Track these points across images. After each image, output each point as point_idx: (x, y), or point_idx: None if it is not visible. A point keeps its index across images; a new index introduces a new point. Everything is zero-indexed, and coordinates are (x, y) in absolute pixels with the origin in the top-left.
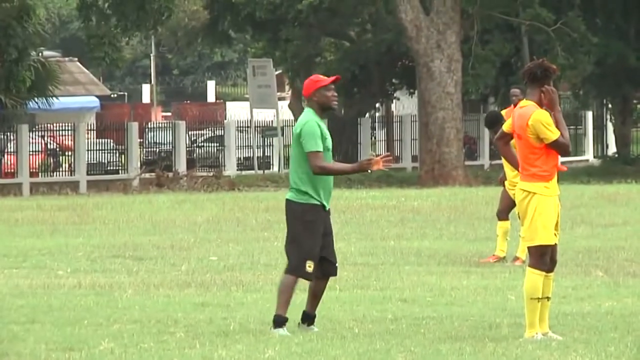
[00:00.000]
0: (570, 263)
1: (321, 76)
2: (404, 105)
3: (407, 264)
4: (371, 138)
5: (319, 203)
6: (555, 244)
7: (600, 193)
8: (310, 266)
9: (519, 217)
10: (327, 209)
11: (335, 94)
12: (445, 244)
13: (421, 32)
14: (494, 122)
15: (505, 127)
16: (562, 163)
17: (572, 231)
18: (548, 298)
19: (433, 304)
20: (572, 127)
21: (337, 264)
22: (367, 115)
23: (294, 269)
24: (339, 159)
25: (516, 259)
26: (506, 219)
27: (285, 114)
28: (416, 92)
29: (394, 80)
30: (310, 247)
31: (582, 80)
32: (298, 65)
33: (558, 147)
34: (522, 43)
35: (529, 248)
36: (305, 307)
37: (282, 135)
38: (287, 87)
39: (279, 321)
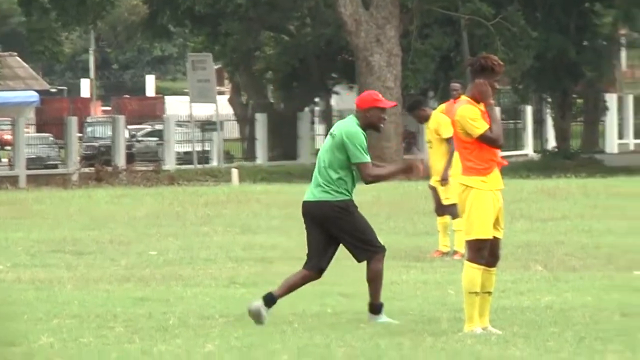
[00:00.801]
0: (509, 257)
1: (381, 96)
2: (344, 99)
3: (347, 258)
4: (310, 132)
5: (351, 198)
6: (498, 238)
7: (540, 187)
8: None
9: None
10: None
11: (386, 118)
12: (385, 238)
13: (360, 27)
14: (414, 106)
15: None
16: (503, 157)
17: (512, 226)
18: (489, 292)
19: None
20: (511, 121)
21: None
22: (307, 109)
23: (377, 252)
24: (278, 153)
25: (455, 252)
26: (443, 214)
27: (225, 108)
28: (355, 86)
29: (333, 75)
30: (366, 226)
31: (521, 74)
32: (237, 60)
33: (486, 141)
34: (462, 37)
35: (466, 242)
36: (279, 292)
37: (222, 129)
38: (226, 82)
39: (379, 308)
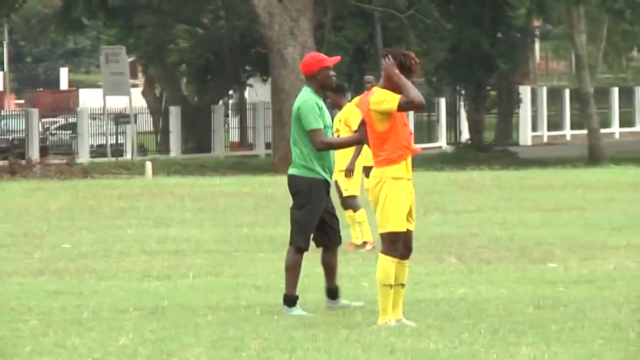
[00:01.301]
0: (423, 250)
1: (322, 54)
2: (258, 92)
3: (261, 251)
4: (224, 125)
5: (322, 179)
6: (411, 231)
7: (454, 180)
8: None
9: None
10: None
11: (334, 74)
12: None
13: (274, 19)
14: (339, 88)
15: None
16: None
17: (426, 218)
18: (403, 285)
19: None
20: (425, 114)
21: (340, 233)
22: (221, 102)
23: (299, 244)
24: (192, 146)
25: (365, 243)
26: (348, 207)
27: (138, 101)
28: (269, 79)
29: (247, 67)
30: (310, 222)
31: (435, 66)
32: (151, 52)
33: (408, 106)
34: (375, 30)
35: (381, 234)
36: (325, 283)
37: (135, 122)
38: (140, 74)
39: (291, 300)
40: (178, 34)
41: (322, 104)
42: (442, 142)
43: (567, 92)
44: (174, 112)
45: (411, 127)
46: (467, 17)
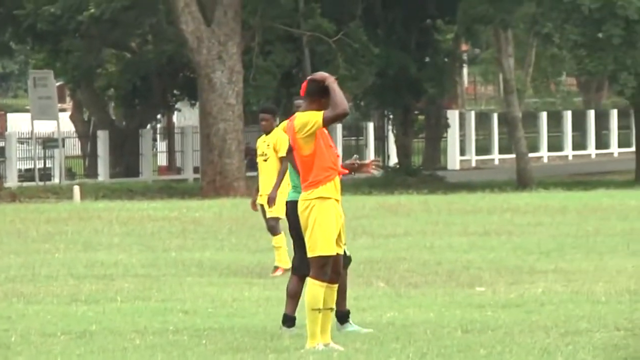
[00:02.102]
0: (351, 274)
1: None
2: (186, 116)
3: (188, 275)
4: (153, 149)
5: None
6: (340, 255)
7: (382, 204)
8: None
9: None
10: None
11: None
12: (227, 255)
13: (202, 44)
14: (273, 110)
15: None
16: (343, 167)
17: (354, 242)
18: (331, 309)
19: (214, 315)
20: (353, 138)
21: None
22: (149, 126)
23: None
24: (120, 170)
25: (276, 269)
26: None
27: (67, 125)
28: (197, 103)
29: (175, 92)
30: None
31: (363, 91)
32: (79, 77)
33: (332, 119)
34: (304, 54)
35: (310, 258)
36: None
37: (63, 146)
38: (68, 99)
39: (343, 316)
40: (106, 58)
41: None
42: None
43: (495, 117)
44: (102, 136)
45: (339, 150)
46: (395, 42)
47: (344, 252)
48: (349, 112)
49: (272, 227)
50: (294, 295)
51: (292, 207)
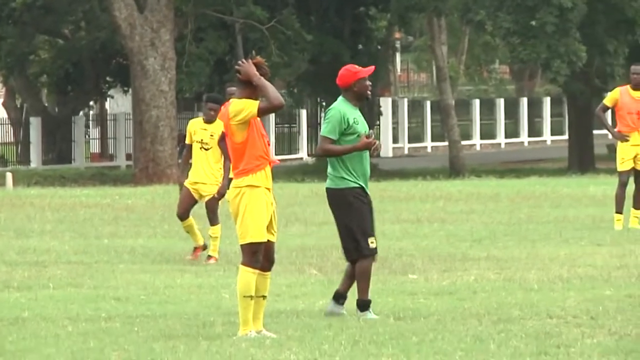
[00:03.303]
0: (284, 261)
1: (357, 67)
2: (118, 103)
3: (121, 262)
4: (85, 136)
5: (357, 185)
6: (272, 242)
7: (315, 191)
8: (372, 242)
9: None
10: (367, 192)
11: (370, 84)
12: (160, 242)
13: (135, 30)
14: (220, 100)
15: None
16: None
17: (287, 229)
18: (264, 296)
19: (147, 302)
20: (286, 125)
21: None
22: (81, 113)
23: (362, 251)
24: (53, 157)
25: (209, 257)
26: (187, 217)
27: None
28: (130, 90)
29: (108, 78)
30: (365, 225)
31: (296, 78)
32: (12, 64)
33: (267, 111)
34: (237, 41)
35: (241, 246)
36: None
37: None
38: (0, 85)
39: (364, 304)
40: (39, 44)
41: (354, 113)
42: (303, 153)
43: (428, 104)
44: (35, 123)
45: (272, 138)
46: (328, 29)
47: (374, 245)
48: (284, 105)
49: (212, 218)
50: (350, 276)
51: (332, 195)
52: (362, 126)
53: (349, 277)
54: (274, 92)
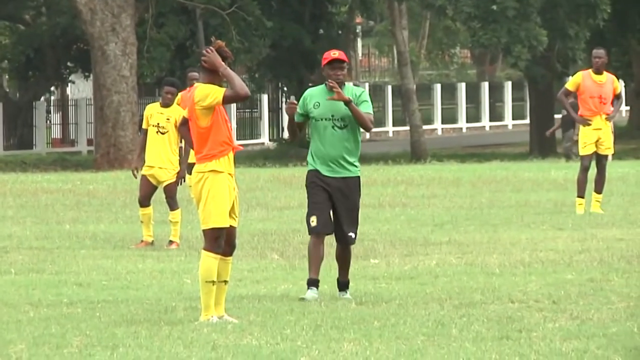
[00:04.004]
0: (246, 246)
1: (332, 53)
2: (79, 88)
3: (82, 247)
4: (46, 121)
5: (313, 168)
6: (234, 227)
7: (276, 176)
8: (313, 221)
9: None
10: (330, 175)
11: (339, 72)
12: (121, 227)
13: (96, 16)
14: (176, 85)
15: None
16: (239, 144)
17: (248, 214)
18: (225, 281)
19: (109, 288)
20: (247, 110)
21: (350, 234)
22: (43, 98)
23: (307, 228)
24: (14, 142)
25: (171, 242)
26: (148, 205)
27: None
28: (91, 75)
29: (69, 64)
30: (311, 204)
31: (257, 63)
32: None
33: (232, 99)
34: (197, 27)
35: (203, 231)
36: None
37: None
38: None
39: (308, 282)
40: None
41: (321, 98)
42: (264, 138)
43: (389, 89)
44: None
45: (233, 123)
46: (289, 14)
47: (349, 233)
48: (249, 96)
49: (171, 204)
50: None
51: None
52: (322, 109)
53: (338, 263)
54: (239, 82)
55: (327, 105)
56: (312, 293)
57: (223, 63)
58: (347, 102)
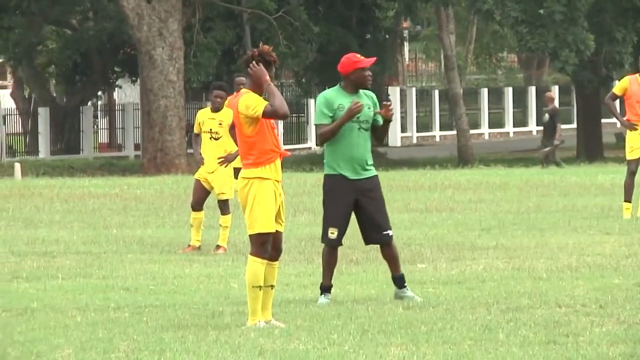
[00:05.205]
0: (293, 251)
1: (358, 56)
2: (126, 93)
3: (129, 252)
4: (94, 126)
5: (336, 173)
6: (280, 232)
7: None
8: (333, 233)
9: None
10: (357, 178)
11: (371, 74)
12: (168, 232)
13: (143, 20)
14: (224, 87)
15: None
16: (286, 150)
17: (295, 219)
18: (272, 286)
19: (156, 292)
20: (294, 115)
21: (388, 232)
22: (90, 103)
23: (322, 238)
24: (61, 147)
25: (218, 247)
26: (200, 209)
27: (7, 102)
28: (138, 80)
29: (116, 69)
30: (327, 216)
31: (304, 68)
32: (20, 54)
33: (270, 115)
34: (244, 31)
35: (250, 236)
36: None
37: (4, 123)
38: (9, 76)
39: (322, 288)
40: (47, 35)
41: (344, 101)
42: (311, 143)
43: (436, 93)
44: (43, 114)
45: (280, 128)
46: (336, 19)
47: (386, 232)
48: (288, 116)
49: (223, 208)
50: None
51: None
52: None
53: (387, 262)
54: (280, 101)
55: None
56: (325, 299)
57: (268, 79)
58: (390, 120)
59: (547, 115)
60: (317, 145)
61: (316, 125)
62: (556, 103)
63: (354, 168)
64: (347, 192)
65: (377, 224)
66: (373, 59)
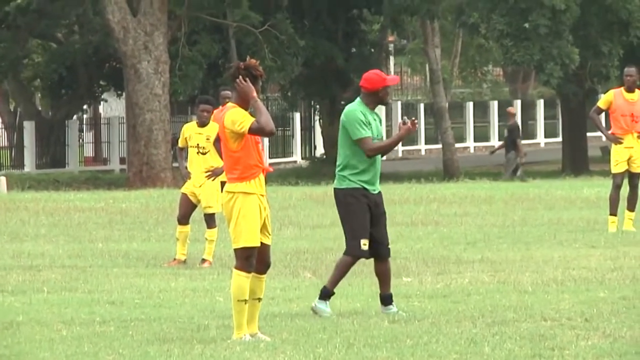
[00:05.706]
0: (278, 264)
1: (384, 74)
2: (112, 107)
3: (115, 266)
4: (79, 140)
5: (358, 186)
6: (267, 245)
7: (309, 194)
8: (365, 244)
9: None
10: (374, 192)
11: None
12: (154, 245)
13: (128, 34)
14: (210, 101)
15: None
16: (270, 164)
17: (280, 232)
18: (259, 299)
19: (141, 306)
20: (280, 128)
21: (389, 246)
22: (75, 117)
23: (349, 250)
24: (46, 161)
25: (204, 261)
26: (187, 223)
27: None
28: (124, 93)
29: (101, 82)
30: (360, 226)
31: (290, 81)
32: (5, 68)
33: (257, 132)
34: (230, 45)
35: (235, 250)
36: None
37: None
38: None
39: (325, 293)
40: (32, 48)
41: (370, 117)
42: (297, 156)
43: (421, 107)
44: (28, 127)
45: (265, 141)
46: (322, 32)
47: (386, 245)
48: (274, 133)
49: (209, 221)
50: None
51: (335, 194)
52: (375, 129)
53: (377, 274)
54: (266, 118)
55: (374, 124)
56: (328, 309)
57: (255, 95)
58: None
59: (506, 131)
60: (367, 156)
61: (361, 140)
62: (541, 117)
63: (373, 182)
64: (367, 204)
65: (382, 237)
66: (397, 78)
